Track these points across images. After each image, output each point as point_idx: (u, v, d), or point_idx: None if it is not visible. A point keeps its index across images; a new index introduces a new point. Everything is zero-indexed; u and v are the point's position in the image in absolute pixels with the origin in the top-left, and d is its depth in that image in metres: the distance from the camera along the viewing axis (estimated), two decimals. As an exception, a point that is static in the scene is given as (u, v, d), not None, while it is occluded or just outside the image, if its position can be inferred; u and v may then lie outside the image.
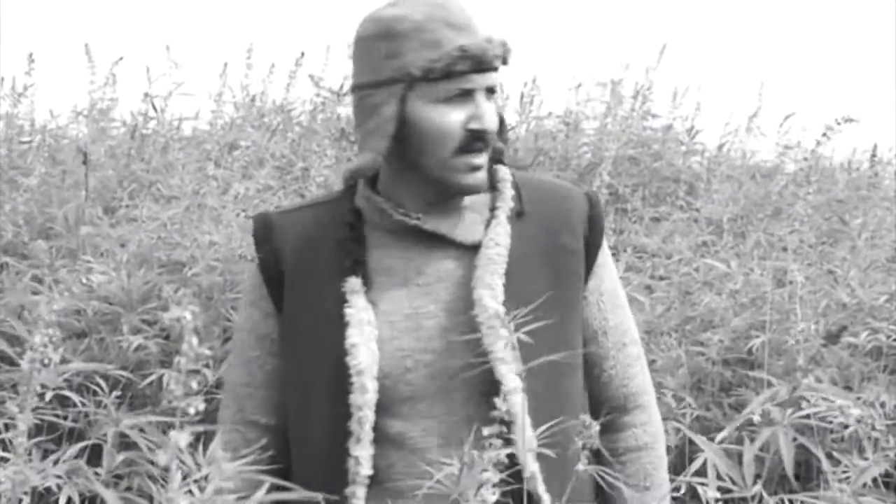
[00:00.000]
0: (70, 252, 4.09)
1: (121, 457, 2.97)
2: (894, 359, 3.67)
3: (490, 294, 1.92)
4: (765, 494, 1.35)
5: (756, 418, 1.35)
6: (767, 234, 4.78)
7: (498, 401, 1.57)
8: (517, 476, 1.83)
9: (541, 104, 6.71)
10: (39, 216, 4.45)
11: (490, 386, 1.89)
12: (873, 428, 1.41)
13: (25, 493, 1.73)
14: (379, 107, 1.93)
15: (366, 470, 1.90)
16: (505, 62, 1.95)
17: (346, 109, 5.92)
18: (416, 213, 1.98)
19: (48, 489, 2.93)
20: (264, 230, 2.05)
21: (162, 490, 1.13)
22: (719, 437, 1.44)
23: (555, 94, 8.81)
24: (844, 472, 1.86)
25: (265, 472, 1.41)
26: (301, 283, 2.00)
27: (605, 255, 2.08)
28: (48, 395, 3.02)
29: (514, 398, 1.87)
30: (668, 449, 3.60)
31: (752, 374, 3.53)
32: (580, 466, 1.53)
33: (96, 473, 2.93)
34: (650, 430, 2.10)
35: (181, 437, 1.15)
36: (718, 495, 1.44)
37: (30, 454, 1.74)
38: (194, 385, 1.19)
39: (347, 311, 1.93)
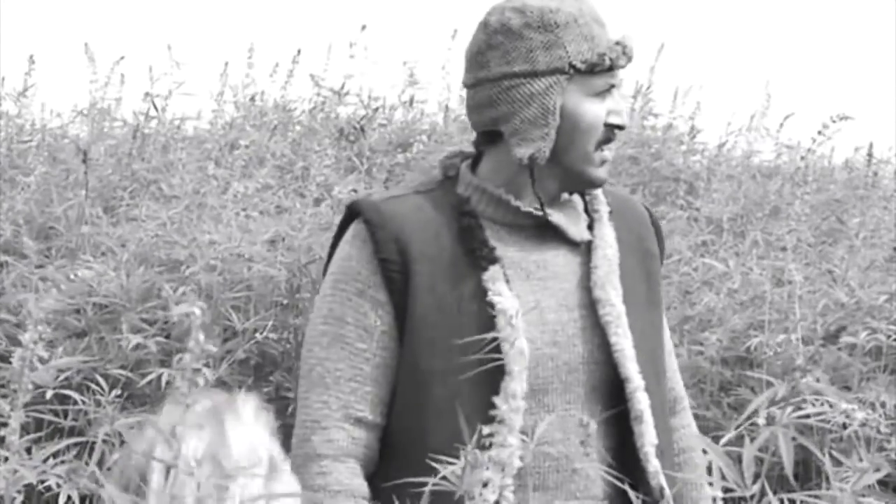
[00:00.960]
0: (70, 251, 4.09)
1: (115, 455, 2.97)
2: (894, 358, 3.67)
3: (616, 294, 1.96)
4: (768, 490, 1.36)
5: (761, 421, 1.35)
6: (765, 234, 4.78)
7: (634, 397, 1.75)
8: (631, 469, 1.88)
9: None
10: (39, 216, 4.45)
11: (610, 384, 1.95)
12: (878, 431, 1.41)
13: (19, 492, 1.73)
14: (538, 97, 1.92)
15: (517, 462, 1.85)
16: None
17: (346, 109, 5.93)
18: (538, 207, 1.98)
19: (48, 487, 2.93)
20: (378, 215, 1.95)
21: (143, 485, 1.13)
22: (724, 440, 1.44)
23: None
24: (845, 472, 1.86)
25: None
26: (428, 273, 1.93)
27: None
28: (48, 394, 3.03)
29: (640, 395, 1.93)
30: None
31: (750, 374, 3.53)
32: (577, 465, 1.53)
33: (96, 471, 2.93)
34: (694, 432, 2.15)
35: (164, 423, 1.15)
36: (723, 495, 1.45)
37: (28, 451, 1.74)
38: (200, 381, 1.19)
39: (496, 299, 1.90)
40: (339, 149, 5.26)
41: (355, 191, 4.34)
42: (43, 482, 2.58)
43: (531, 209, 1.97)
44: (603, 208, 2.04)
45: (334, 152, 4.70)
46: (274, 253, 3.89)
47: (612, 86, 1.95)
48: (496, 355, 1.85)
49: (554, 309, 1.96)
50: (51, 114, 5.92)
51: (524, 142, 1.93)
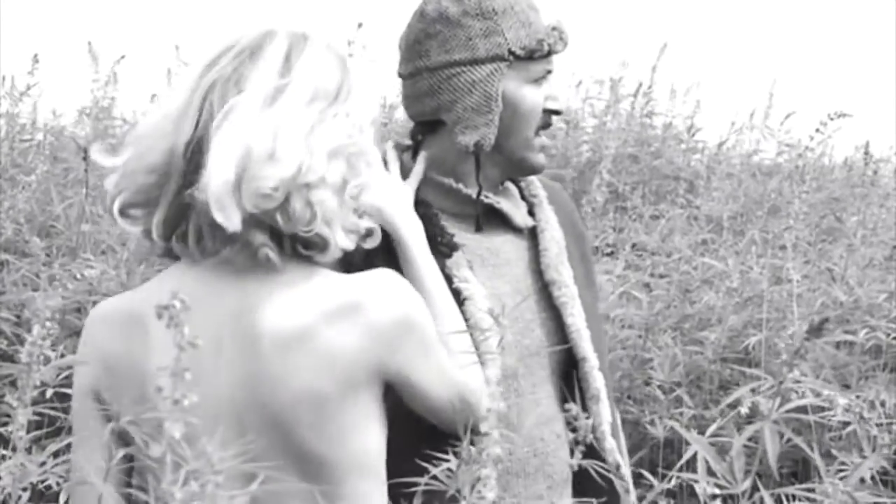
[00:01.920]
0: (70, 250, 4.10)
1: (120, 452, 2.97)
2: (893, 357, 3.68)
3: (568, 274, 1.99)
4: (760, 486, 1.36)
5: (744, 410, 1.35)
6: (764, 232, 4.78)
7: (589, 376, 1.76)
8: (589, 448, 1.88)
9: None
10: (40, 214, 4.46)
11: (565, 364, 1.98)
12: (861, 417, 1.41)
13: (24, 490, 1.73)
14: (480, 84, 1.93)
15: (496, 449, 1.87)
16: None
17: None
18: (486, 195, 1.99)
19: (48, 487, 2.94)
20: None
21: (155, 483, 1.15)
22: (709, 431, 1.45)
23: (556, 93, 8.78)
24: (840, 468, 1.87)
25: None
26: (390, 265, 1.89)
27: None
28: (48, 393, 3.04)
29: (596, 374, 1.97)
30: (661, 443, 3.62)
31: (748, 372, 3.54)
32: (572, 462, 1.54)
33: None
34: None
35: (175, 429, 1.16)
36: (717, 490, 1.45)
37: (29, 450, 1.75)
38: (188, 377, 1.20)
39: (462, 286, 1.91)
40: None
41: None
42: (43, 481, 2.58)
43: (483, 197, 1.98)
44: (541, 192, 2.07)
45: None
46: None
47: (549, 71, 1.97)
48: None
49: (510, 294, 1.97)
50: (53, 113, 5.93)
51: (468, 129, 1.94)
